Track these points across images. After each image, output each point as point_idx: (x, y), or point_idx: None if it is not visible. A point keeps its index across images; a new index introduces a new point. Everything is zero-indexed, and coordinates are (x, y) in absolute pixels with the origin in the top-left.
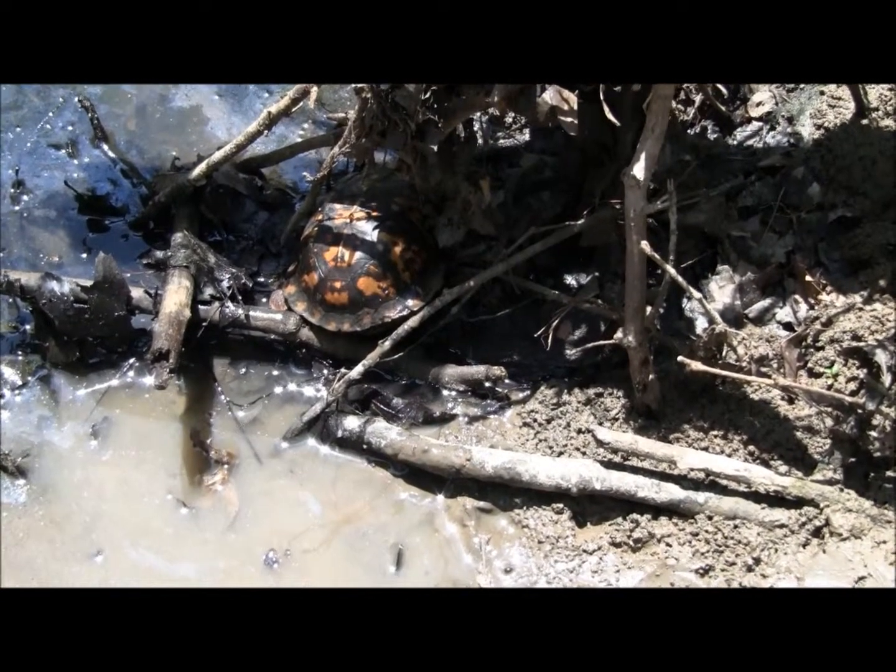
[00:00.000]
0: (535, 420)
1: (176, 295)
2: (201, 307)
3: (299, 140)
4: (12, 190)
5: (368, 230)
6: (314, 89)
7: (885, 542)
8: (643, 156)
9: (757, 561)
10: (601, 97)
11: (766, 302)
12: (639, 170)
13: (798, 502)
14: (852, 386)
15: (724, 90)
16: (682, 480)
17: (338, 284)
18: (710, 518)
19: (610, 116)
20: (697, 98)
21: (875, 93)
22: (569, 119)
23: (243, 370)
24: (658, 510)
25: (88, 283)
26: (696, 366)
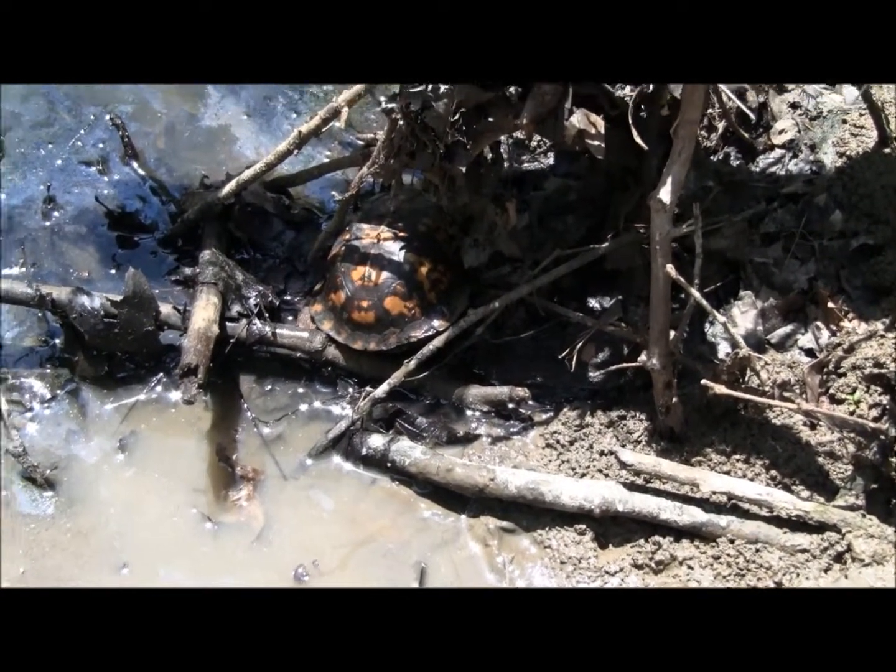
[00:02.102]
0: (558, 441)
1: (204, 311)
2: (229, 324)
3: (326, 160)
4: (43, 206)
5: (395, 250)
6: (344, 110)
7: None
8: (669, 180)
9: (779, 585)
10: (629, 121)
11: (788, 328)
12: (665, 193)
13: (820, 527)
14: (874, 412)
15: (750, 115)
16: (705, 504)
17: (364, 304)
18: (731, 541)
19: (638, 140)
20: (721, 125)
21: None
22: (596, 142)
23: (269, 387)
24: (680, 533)
25: (118, 298)
26: (720, 389)
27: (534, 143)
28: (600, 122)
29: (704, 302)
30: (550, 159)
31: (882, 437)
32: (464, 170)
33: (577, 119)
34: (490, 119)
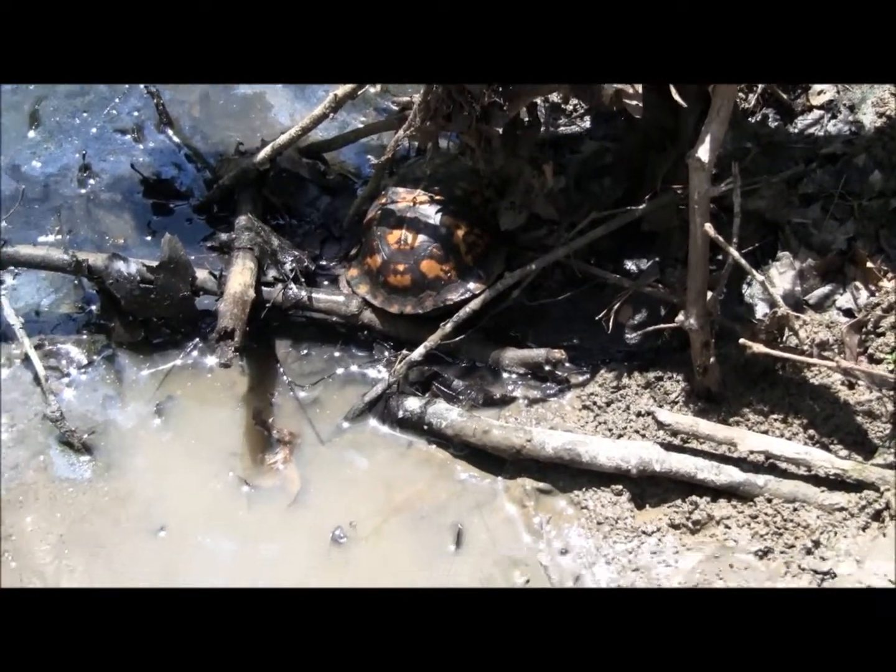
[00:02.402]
0: (594, 403)
1: (241, 276)
2: (264, 289)
3: (361, 126)
4: (79, 174)
5: (431, 213)
6: None
7: None
8: (708, 138)
9: (816, 544)
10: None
11: (826, 288)
12: (703, 152)
13: (858, 486)
14: None
15: None
16: (742, 463)
17: (401, 267)
18: (769, 501)
19: (677, 98)
20: (759, 86)
21: None
22: (633, 102)
23: (305, 351)
24: (717, 492)
25: (154, 263)
26: (758, 348)
27: (570, 107)
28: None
29: (743, 261)
30: (587, 123)
31: None
32: (500, 131)
33: None
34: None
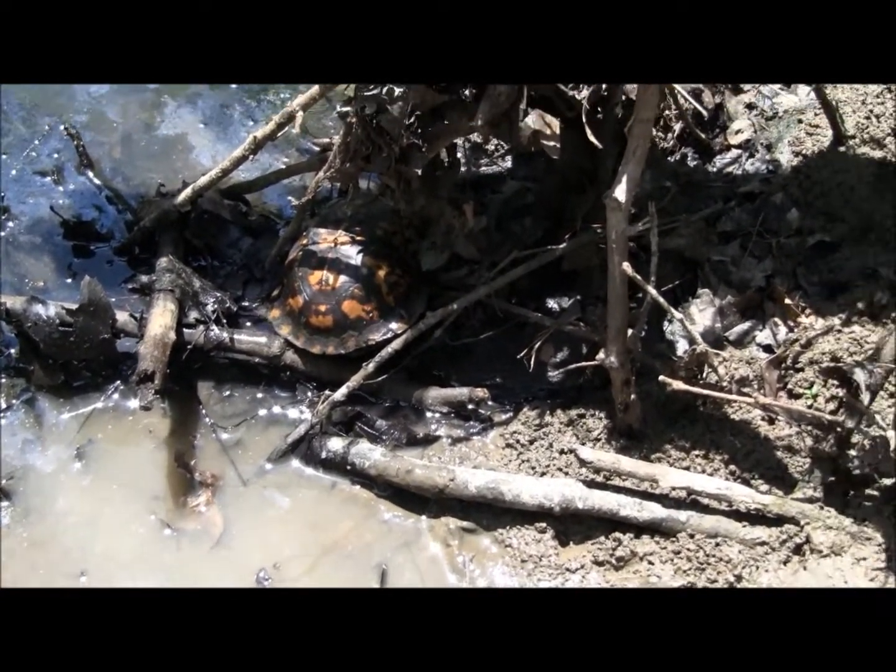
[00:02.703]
0: (517, 441)
1: (161, 318)
2: (186, 330)
3: (282, 168)
4: None
5: (353, 254)
6: (299, 114)
7: (864, 558)
8: (625, 178)
9: (738, 578)
10: (584, 121)
11: (745, 325)
12: (620, 192)
13: (779, 520)
14: (831, 406)
15: (703, 112)
16: (664, 499)
17: (322, 308)
18: (691, 536)
19: (593, 139)
20: (677, 126)
21: (852, 121)
22: (551, 143)
23: (227, 393)
24: (640, 529)
25: (74, 306)
26: (678, 385)
27: (491, 147)
28: (555, 123)
29: (661, 299)
30: (508, 163)
31: (839, 429)
32: (419, 172)
33: (532, 120)
34: (445, 122)
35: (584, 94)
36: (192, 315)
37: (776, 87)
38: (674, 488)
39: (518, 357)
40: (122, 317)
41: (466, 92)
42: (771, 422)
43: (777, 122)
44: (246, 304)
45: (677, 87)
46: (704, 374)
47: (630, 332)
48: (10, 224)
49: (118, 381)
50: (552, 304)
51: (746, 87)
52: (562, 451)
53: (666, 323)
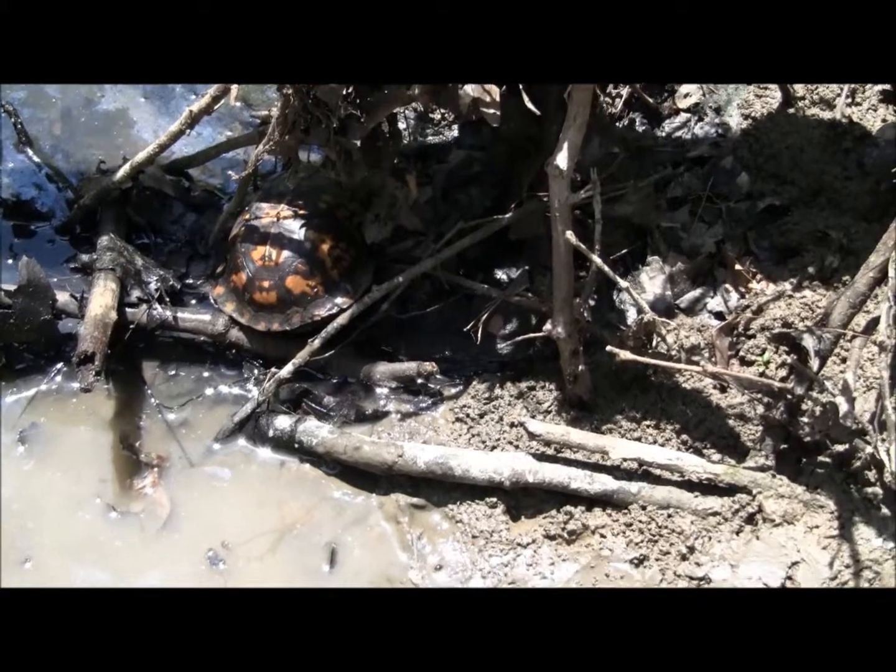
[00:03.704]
0: (467, 415)
1: (101, 297)
2: (129, 310)
3: (223, 141)
4: None
5: (296, 228)
6: (234, 87)
7: (817, 526)
8: (566, 145)
9: (691, 549)
10: (520, 88)
11: (696, 292)
12: (562, 159)
13: (731, 490)
14: (783, 372)
15: None
16: (616, 471)
17: (266, 284)
18: (643, 508)
19: (530, 106)
20: (625, 91)
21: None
22: (491, 111)
23: (173, 372)
24: (592, 502)
25: (13, 287)
26: (626, 355)
27: (437, 116)
28: (495, 90)
29: (606, 268)
30: (455, 132)
31: (789, 396)
32: (359, 144)
33: (472, 88)
34: (383, 91)
35: None
36: (135, 294)
37: None
38: (625, 459)
39: (466, 329)
40: (62, 297)
41: None
42: (722, 390)
43: (726, 85)
44: (190, 281)
45: None
46: (654, 344)
47: (576, 301)
48: None
49: (61, 363)
50: (501, 274)
51: None
52: (512, 425)
53: (616, 293)
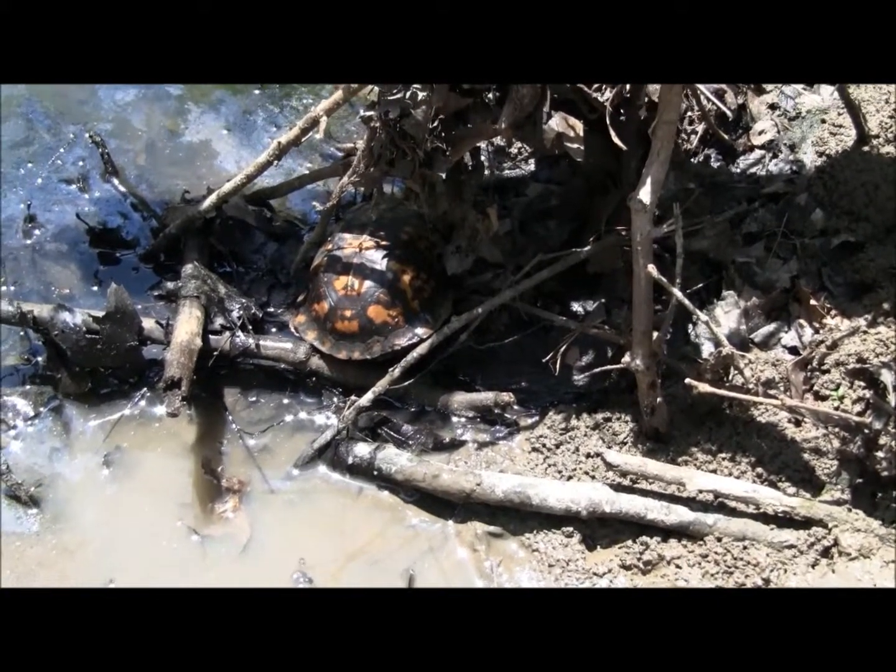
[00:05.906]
0: (544, 445)
1: (187, 324)
2: (212, 337)
3: (306, 173)
4: (24, 225)
5: (378, 259)
6: (323, 119)
7: (893, 561)
8: (649, 180)
9: (766, 581)
10: (607, 123)
11: (771, 326)
12: (645, 194)
13: (806, 523)
14: (858, 407)
15: (727, 113)
16: (692, 503)
17: (348, 313)
18: (719, 539)
19: (617, 141)
20: (700, 127)
21: (875, 120)
22: (575, 145)
23: (254, 399)
24: (668, 532)
25: (100, 313)
26: (704, 387)
27: (515, 150)
28: (579, 125)
29: (686, 301)
30: (532, 165)
31: (866, 430)
32: (443, 176)
33: (556, 123)
34: (469, 125)
35: (607, 95)
36: (218, 321)
37: (799, 87)
38: (701, 491)
39: (543, 360)
40: (148, 324)
41: (490, 95)
42: (797, 424)
43: (800, 123)
44: (271, 309)
45: (700, 87)
46: (730, 377)
47: (655, 334)
48: (37, 232)
49: (145, 388)
50: (577, 307)
51: (769, 87)
52: (588, 455)
53: (691, 326)
